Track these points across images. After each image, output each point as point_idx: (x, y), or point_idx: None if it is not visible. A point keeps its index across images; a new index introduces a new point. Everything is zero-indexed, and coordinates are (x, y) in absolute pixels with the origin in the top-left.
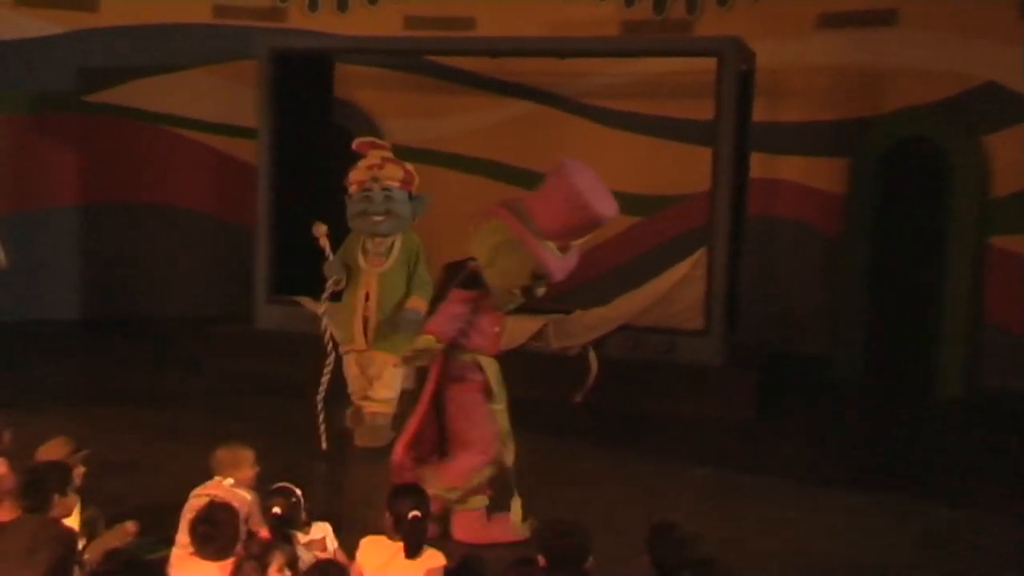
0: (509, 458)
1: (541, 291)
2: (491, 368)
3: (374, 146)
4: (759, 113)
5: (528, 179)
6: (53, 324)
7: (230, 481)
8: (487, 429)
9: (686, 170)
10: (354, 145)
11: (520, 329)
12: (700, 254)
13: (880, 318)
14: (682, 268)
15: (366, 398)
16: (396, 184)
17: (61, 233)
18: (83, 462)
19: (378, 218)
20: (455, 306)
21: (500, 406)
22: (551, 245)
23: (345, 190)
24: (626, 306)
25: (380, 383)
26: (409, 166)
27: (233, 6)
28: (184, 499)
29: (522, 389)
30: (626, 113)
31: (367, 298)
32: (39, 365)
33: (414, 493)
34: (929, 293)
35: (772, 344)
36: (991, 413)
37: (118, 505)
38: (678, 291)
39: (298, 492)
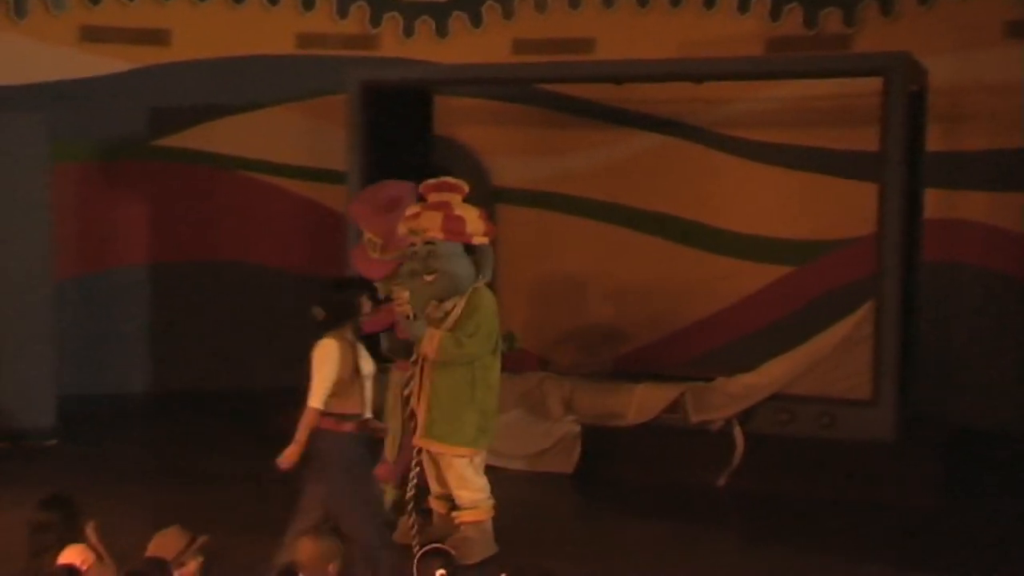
0: None
1: (381, 291)
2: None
3: (440, 188)
4: (935, 142)
5: (658, 224)
6: (122, 398)
7: None
8: None
9: (847, 211)
10: (420, 188)
11: (652, 400)
12: (866, 309)
13: None
14: (844, 326)
15: (445, 497)
16: (438, 235)
17: (129, 296)
18: (200, 553)
19: (428, 278)
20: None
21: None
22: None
23: None
24: (777, 372)
25: (455, 484)
26: (461, 212)
27: (319, 34)
28: None
29: (655, 470)
30: (774, 145)
31: (420, 375)
32: (109, 445)
33: (441, 555)
34: None
35: (956, 416)
36: None
37: None
38: (840, 354)
39: (453, 553)
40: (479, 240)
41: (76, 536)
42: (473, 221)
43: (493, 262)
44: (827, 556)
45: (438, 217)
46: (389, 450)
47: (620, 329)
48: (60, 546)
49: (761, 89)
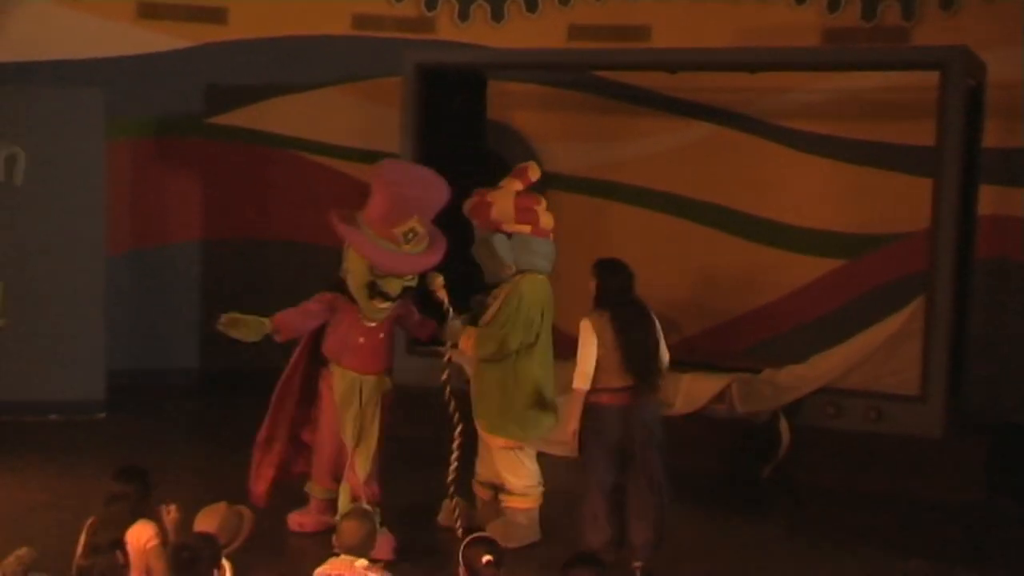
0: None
1: (393, 290)
2: (341, 381)
3: (512, 173)
4: (992, 137)
5: (710, 213)
6: (172, 374)
7: (363, 563)
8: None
9: (900, 205)
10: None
11: (700, 390)
12: (917, 305)
13: None
14: (895, 321)
15: (489, 484)
16: (476, 221)
17: (181, 272)
18: (244, 528)
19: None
20: (311, 303)
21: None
22: (380, 239)
23: None
24: (826, 365)
25: (504, 470)
26: (492, 198)
27: (375, 15)
28: None
29: (701, 460)
30: (828, 137)
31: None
32: (158, 419)
33: (488, 542)
34: None
35: (1004, 412)
36: None
37: None
38: (890, 348)
39: (498, 540)
40: (511, 228)
41: (148, 510)
42: (503, 209)
43: (546, 253)
44: (872, 550)
45: (469, 203)
46: (361, 465)
47: (669, 318)
48: (132, 518)
49: (817, 80)
